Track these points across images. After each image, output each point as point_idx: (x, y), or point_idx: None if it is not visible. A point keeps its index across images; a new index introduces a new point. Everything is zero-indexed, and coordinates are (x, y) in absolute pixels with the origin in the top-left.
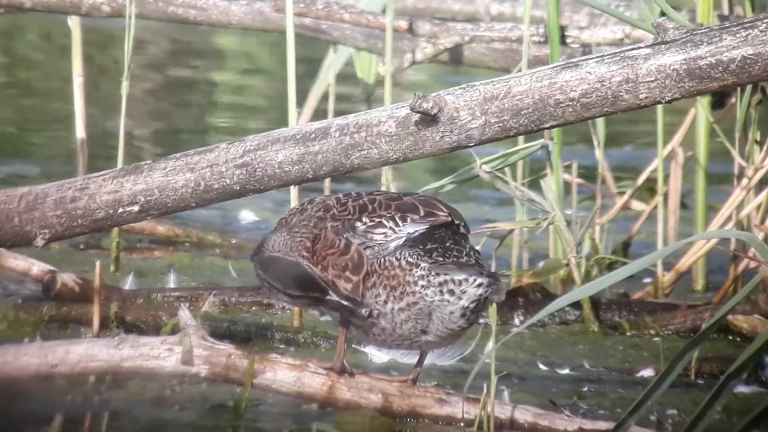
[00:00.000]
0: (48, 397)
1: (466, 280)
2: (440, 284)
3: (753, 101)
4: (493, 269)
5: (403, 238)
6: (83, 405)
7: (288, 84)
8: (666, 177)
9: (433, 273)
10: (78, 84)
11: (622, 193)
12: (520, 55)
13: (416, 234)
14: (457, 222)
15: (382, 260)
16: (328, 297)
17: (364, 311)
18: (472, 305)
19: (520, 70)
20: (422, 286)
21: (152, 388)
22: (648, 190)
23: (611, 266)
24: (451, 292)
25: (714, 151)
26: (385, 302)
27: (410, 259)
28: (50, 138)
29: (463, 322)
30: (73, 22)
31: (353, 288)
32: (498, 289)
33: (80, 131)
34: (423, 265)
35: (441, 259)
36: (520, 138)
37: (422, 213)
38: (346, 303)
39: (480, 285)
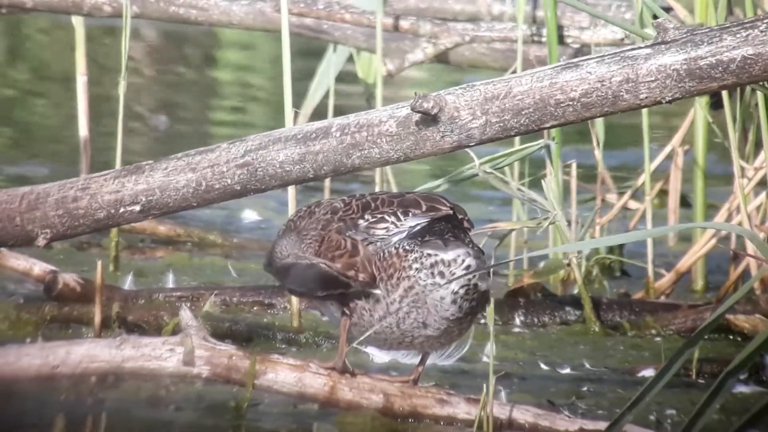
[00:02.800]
0: (48, 397)
1: (455, 261)
2: (432, 266)
3: (752, 101)
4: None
5: (405, 232)
6: (84, 406)
7: (284, 84)
8: (666, 177)
9: (425, 254)
10: (81, 83)
11: (622, 193)
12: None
13: (417, 227)
14: (460, 216)
15: (382, 253)
16: (352, 289)
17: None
18: (461, 290)
19: (515, 71)
20: (416, 269)
21: (152, 389)
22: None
23: (611, 266)
24: (441, 275)
25: (715, 151)
26: (387, 292)
27: (407, 247)
28: (57, 138)
29: (455, 310)
30: (77, 21)
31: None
32: (485, 275)
33: (83, 130)
34: (416, 248)
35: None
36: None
37: (424, 208)
38: (367, 288)
39: (468, 267)
